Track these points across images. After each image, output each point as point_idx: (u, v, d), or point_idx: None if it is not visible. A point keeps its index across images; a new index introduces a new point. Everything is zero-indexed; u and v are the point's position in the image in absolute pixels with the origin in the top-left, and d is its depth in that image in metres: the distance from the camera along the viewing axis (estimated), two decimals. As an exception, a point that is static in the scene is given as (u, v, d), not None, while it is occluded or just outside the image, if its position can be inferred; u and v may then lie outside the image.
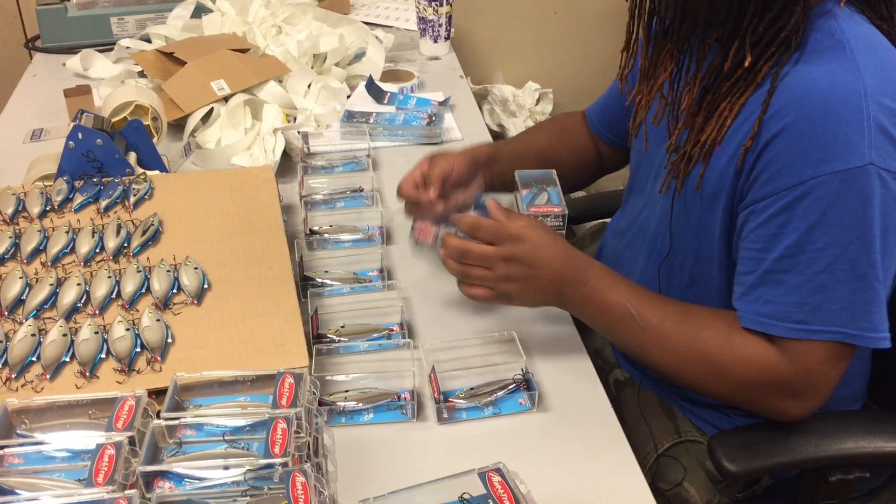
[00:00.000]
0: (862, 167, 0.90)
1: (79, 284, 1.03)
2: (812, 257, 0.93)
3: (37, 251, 1.10)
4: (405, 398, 0.99)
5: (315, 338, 1.07)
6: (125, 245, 1.11)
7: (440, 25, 1.90)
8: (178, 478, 0.80)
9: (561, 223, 1.11)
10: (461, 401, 0.99)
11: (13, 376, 0.93)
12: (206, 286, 1.05)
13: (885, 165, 0.91)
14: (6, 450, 0.82)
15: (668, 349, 1.01)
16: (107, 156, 1.25)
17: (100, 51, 1.85)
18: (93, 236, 1.11)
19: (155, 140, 1.41)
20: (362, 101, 1.68)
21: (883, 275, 0.94)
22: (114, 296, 1.03)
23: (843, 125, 0.90)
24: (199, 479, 0.79)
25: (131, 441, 0.82)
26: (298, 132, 1.50)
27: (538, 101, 2.63)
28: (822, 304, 0.94)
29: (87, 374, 0.93)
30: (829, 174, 0.91)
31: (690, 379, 1.03)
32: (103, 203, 1.18)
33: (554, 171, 1.18)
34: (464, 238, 1.03)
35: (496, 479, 0.80)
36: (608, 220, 1.43)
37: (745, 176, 0.98)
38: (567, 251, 1.03)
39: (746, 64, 0.95)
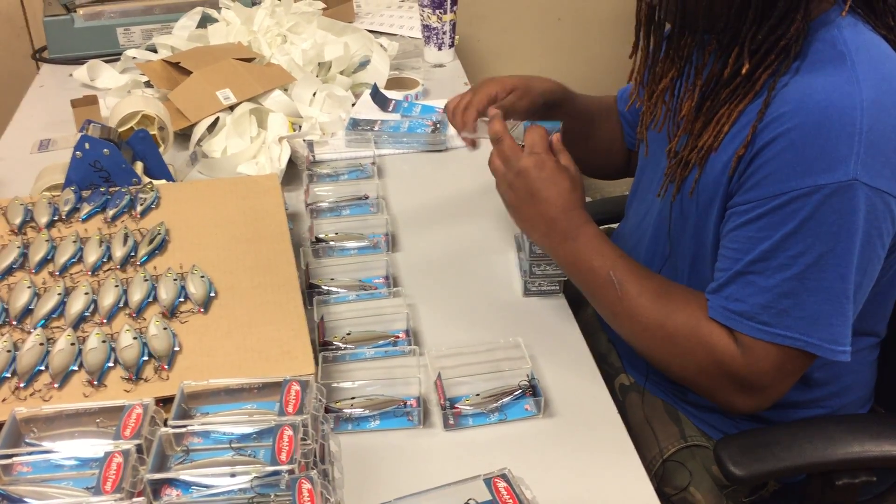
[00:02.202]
0: (846, 182, 0.90)
1: (86, 294, 1.04)
2: (783, 263, 0.94)
3: (45, 261, 1.11)
4: (411, 405, 0.99)
5: (321, 345, 1.07)
6: (132, 254, 1.12)
7: (444, 33, 1.91)
8: (186, 485, 0.81)
9: None
10: (467, 407, 0.99)
11: (22, 385, 0.93)
12: (212, 294, 1.06)
13: (871, 182, 0.90)
14: (15, 458, 0.83)
15: (640, 323, 1.03)
16: (114, 165, 1.26)
17: (106, 61, 1.86)
18: (100, 246, 1.12)
19: (161, 149, 1.42)
20: (367, 109, 1.68)
21: (854, 290, 0.94)
22: (121, 305, 1.04)
23: (833, 138, 0.90)
24: (206, 486, 0.80)
25: (139, 449, 0.82)
26: (304, 140, 1.51)
27: (543, 107, 2.63)
28: (788, 310, 0.94)
29: (95, 382, 0.94)
30: (811, 187, 0.91)
31: (653, 355, 1.06)
32: (110, 212, 1.18)
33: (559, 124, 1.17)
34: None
35: (502, 484, 0.81)
36: (615, 225, 1.43)
37: (736, 180, 0.98)
38: (572, 206, 1.06)
39: (744, 71, 0.95)
